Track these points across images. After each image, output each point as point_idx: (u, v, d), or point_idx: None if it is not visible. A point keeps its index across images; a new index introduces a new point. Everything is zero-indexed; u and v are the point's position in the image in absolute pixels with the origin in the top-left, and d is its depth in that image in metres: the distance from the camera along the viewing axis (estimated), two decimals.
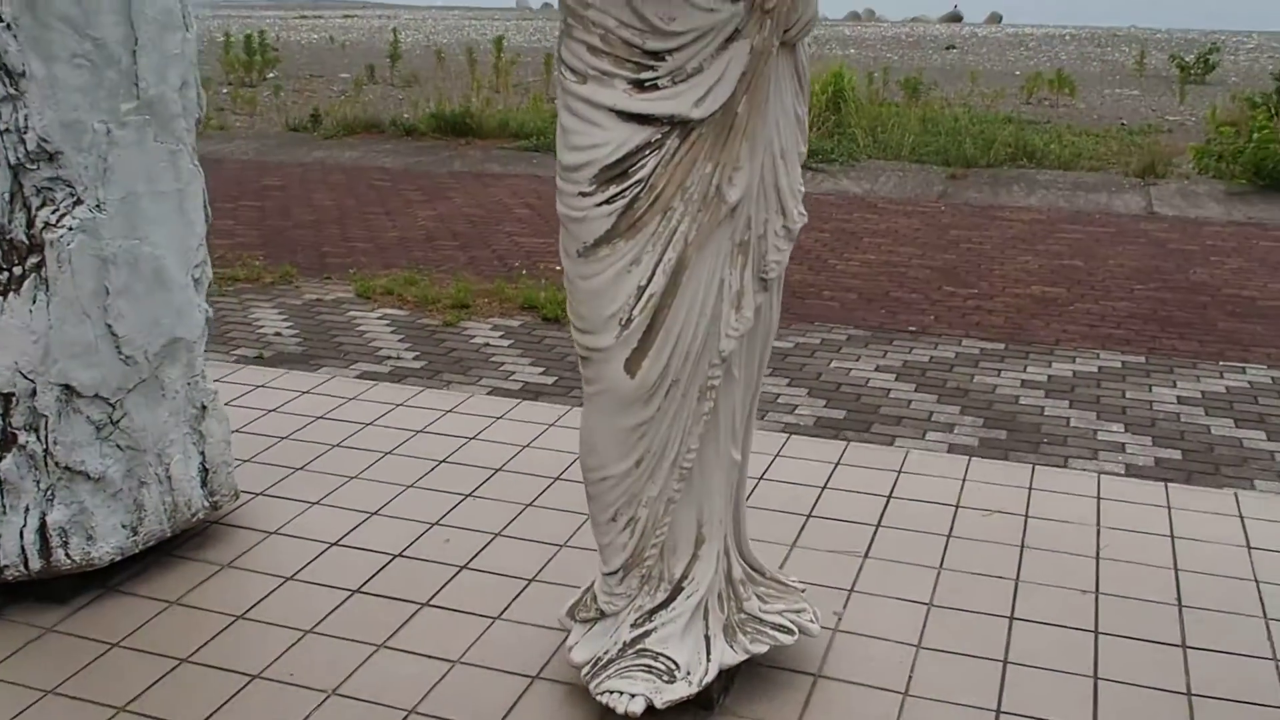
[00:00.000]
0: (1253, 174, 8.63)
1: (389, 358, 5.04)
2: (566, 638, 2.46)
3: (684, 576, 2.32)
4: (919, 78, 12.87)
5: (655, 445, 2.18)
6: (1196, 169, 9.15)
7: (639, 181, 2.03)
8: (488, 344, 5.25)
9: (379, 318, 5.63)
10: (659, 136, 2.02)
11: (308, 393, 4.07)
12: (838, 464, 3.50)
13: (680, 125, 2.02)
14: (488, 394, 4.54)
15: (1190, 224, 7.58)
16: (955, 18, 53.33)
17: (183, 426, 2.96)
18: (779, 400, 4.54)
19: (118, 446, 2.80)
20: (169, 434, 2.92)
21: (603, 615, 2.36)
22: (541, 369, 4.92)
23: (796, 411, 4.45)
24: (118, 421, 2.79)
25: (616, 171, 2.03)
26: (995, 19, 54.88)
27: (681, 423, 2.19)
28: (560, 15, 2.06)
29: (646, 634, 2.31)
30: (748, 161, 2.09)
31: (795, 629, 2.44)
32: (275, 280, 6.24)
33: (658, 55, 1.99)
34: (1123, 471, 3.89)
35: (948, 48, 29.75)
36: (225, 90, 14.20)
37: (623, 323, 2.09)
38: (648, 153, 2.03)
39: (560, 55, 2.08)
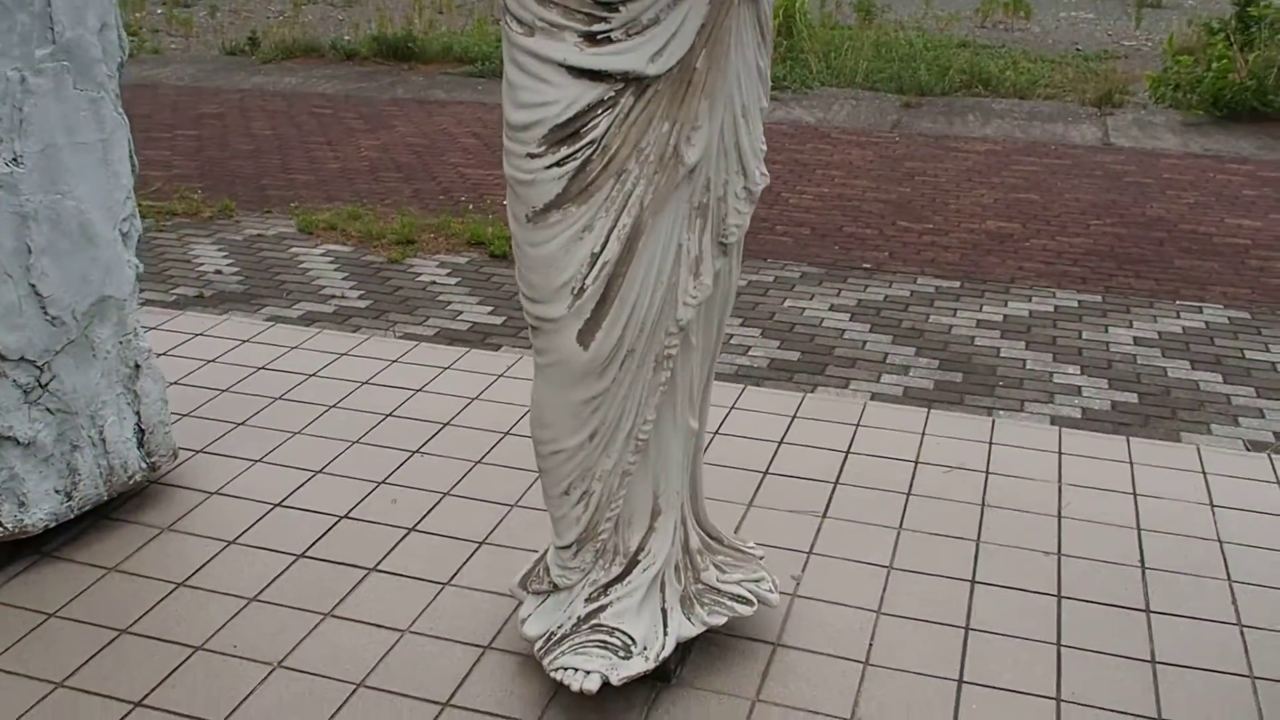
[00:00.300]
0: (1210, 104, 8.51)
1: (333, 297, 4.90)
2: (518, 608, 2.38)
3: (640, 549, 2.24)
4: None
5: (610, 417, 2.09)
6: (1153, 99, 9.04)
7: (591, 143, 1.91)
8: (434, 282, 5.12)
9: (322, 254, 5.47)
10: (612, 94, 1.90)
11: (248, 341, 3.93)
12: (794, 417, 3.43)
13: (635, 82, 1.90)
14: (435, 335, 4.43)
15: (1147, 156, 7.53)
16: None
17: (116, 387, 2.83)
18: (732, 341, 4.47)
19: (47, 410, 2.67)
20: (101, 395, 2.79)
21: (556, 589, 2.28)
22: (490, 308, 4.81)
23: (750, 353, 4.39)
24: (46, 384, 2.65)
25: (567, 132, 1.91)
26: None
27: (637, 394, 2.09)
28: None
29: (601, 608, 2.23)
30: (706, 120, 1.97)
31: (754, 599, 2.38)
32: (214, 214, 6.04)
33: (610, 6, 1.85)
34: (1079, 415, 3.87)
35: None
36: (159, 10, 13.66)
37: (575, 292, 1.98)
38: (600, 111, 1.90)
39: (505, 4, 1.94)
